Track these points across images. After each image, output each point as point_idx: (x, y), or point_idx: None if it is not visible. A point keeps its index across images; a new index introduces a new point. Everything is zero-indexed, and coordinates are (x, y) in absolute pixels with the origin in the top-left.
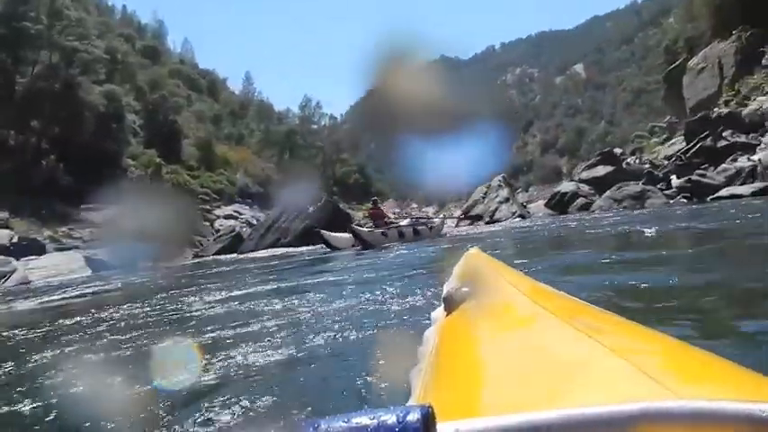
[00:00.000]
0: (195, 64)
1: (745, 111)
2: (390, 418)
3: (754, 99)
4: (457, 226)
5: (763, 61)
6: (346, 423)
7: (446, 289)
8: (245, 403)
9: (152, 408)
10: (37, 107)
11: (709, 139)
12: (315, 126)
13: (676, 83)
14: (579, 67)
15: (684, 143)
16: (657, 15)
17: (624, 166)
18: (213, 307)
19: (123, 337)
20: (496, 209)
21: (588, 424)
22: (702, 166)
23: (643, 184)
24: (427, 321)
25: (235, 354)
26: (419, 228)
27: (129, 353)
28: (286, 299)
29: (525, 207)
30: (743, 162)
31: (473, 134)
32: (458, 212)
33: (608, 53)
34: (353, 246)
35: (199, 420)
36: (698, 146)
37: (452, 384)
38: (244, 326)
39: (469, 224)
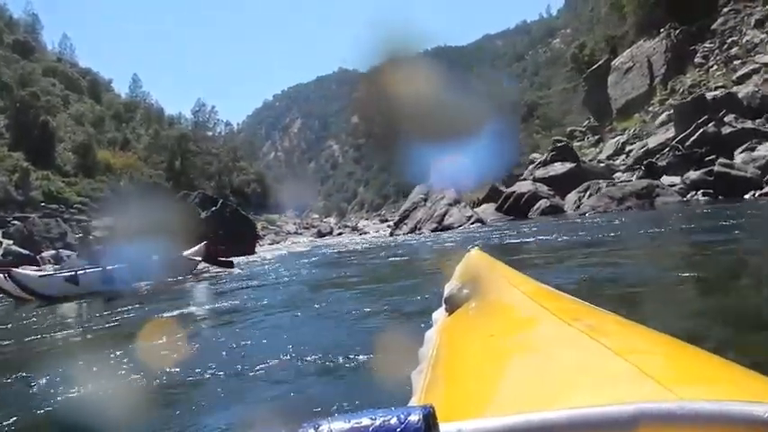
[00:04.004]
0: (75, 62)
1: (742, 93)
2: (392, 419)
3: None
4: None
5: (696, 59)
6: (348, 424)
7: (447, 289)
8: (248, 403)
9: (151, 406)
10: None
11: (711, 125)
12: (210, 133)
13: (597, 85)
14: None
15: (674, 131)
16: (545, 35)
17: (582, 164)
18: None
19: None
20: (446, 213)
21: (589, 425)
22: (708, 158)
23: (638, 178)
24: (428, 322)
25: (239, 351)
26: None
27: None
28: (271, 308)
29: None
30: (766, 150)
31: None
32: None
33: (501, 69)
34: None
35: (202, 420)
36: (698, 133)
37: (454, 385)
38: (245, 328)
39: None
